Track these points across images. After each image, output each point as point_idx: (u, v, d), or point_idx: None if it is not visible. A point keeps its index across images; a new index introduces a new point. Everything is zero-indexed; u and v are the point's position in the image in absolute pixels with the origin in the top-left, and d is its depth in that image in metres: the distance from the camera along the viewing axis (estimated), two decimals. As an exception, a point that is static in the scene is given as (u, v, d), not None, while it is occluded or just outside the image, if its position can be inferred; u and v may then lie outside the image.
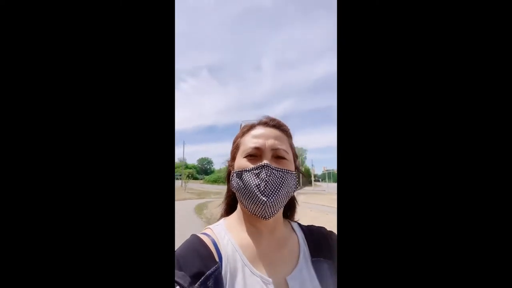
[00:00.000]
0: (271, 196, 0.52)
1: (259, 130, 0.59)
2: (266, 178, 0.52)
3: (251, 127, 0.61)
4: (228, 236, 0.56)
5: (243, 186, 0.54)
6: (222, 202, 0.68)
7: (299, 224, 0.65)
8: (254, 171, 0.53)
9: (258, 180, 0.52)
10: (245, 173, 0.54)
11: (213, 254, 0.50)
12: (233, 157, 0.61)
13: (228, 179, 0.63)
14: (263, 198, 0.51)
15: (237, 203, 0.62)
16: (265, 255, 0.54)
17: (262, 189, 0.52)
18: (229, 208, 0.66)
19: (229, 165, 0.63)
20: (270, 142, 0.56)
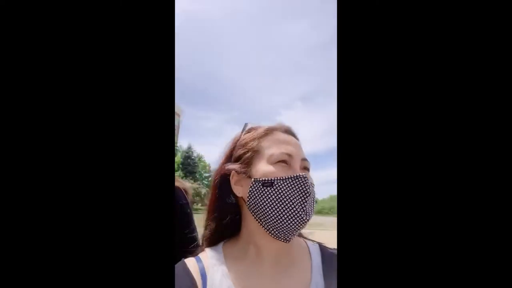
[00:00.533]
0: (310, 214, 0.43)
1: (284, 136, 0.49)
2: (309, 193, 0.43)
3: (269, 131, 0.50)
4: (220, 262, 0.46)
5: (275, 199, 0.43)
6: (210, 220, 0.51)
7: (321, 246, 0.52)
8: (295, 182, 0.43)
9: (300, 196, 0.43)
10: (279, 183, 0.43)
11: (196, 286, 0.42)
12: (247, 163, 0.48)
13: (216, 187, 0.50)
14: (306, 217, 0.42)
15: (235, 222, 0.49)
16: (264, 285, 0.44)
17: (304, 206, 0.43)
18: (227, 228, 0.50)
19: (231, 170, 0.48)
20: (299, 152, 0.48)
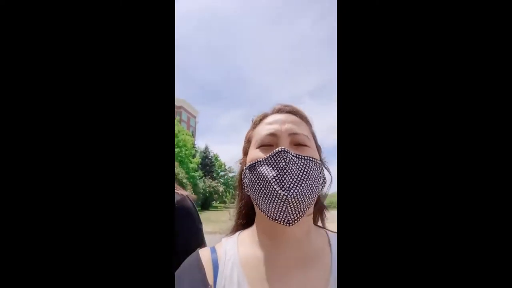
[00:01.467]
0: (292, 189, 0.41)
1: (272, 117, 0.51)
2: (285, 167, 0.42)
3: (263, 116, 0.54)
4: (234, 251, 0.47)
5: (257, 181, 0.45)
6: (234, 212, 0.57)
7: None
8: (269, 161, 0.44)
9: (276, 171, 0.42)
10: (258, 165, 0.45)
11: (205, 277, 0.44)
12: (245, 153, 0.53)
13: (240, 182, 0.54)
14: (283, 193, 0.41)
15: (254, 212, 0.52)
16: (277, 277, 0.43)
17: (281, 181, 0.41)
18: (244, 218, 0.56)
19: (241, 163, 0.55)
20: (286, 127, 0.48)
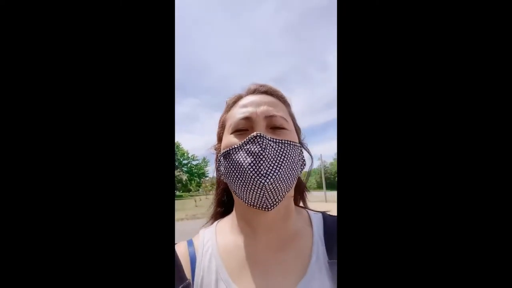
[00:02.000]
0: (270, 175, 0.39)
1: (247, 99, 0.47)
2: (261, 153, 0.40)
3: (237, 98, 0.49)
4: (212, 241, 0.46)
5: (232, 169, 0.42)
6: (212, 200, 0.56)
7: (324, 215, 0.50)
8: (245, 147, 0.41)
9: (251, 158, 0.40)
10: (233, 152, 0.42)
11: (183, 272, 0.42)
12: (220, 138, 0.49)
13: (217, 168, 0.50)
14: (259, 180, 0.39)
15: (232, 199, 0.50)
16: (257, 263, 0.42)
17: (257, 168, 0.39)
18: (223, 205, 0.55)
19: (215, 149, 0.51)
20: (262, 109, 0.44)
